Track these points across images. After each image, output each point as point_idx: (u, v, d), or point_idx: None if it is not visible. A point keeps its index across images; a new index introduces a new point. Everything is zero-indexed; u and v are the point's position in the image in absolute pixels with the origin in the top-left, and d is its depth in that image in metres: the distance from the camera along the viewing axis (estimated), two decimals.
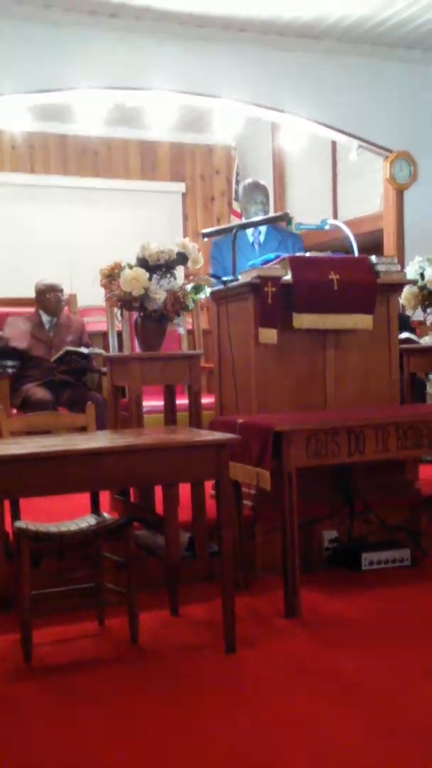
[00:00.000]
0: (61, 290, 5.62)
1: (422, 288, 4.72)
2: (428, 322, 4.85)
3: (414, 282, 4.67)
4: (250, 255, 4.85)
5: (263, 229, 5.05)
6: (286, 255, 4.07)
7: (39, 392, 5.22)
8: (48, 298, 5.55)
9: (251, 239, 5.07)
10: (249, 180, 5.37)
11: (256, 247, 5.05)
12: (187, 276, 4.34)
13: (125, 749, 2.32)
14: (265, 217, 4.92)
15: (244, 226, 4.73)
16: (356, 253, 4.38)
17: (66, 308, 5.84)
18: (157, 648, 3.07)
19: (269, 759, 2.25)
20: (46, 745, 2.37)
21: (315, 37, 6.40)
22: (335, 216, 7.88)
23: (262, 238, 5.07)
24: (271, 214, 5.56)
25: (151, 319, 4.04)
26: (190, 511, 3.77)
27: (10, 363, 5.18)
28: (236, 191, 7.90)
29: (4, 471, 2.77)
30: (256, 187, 5.16)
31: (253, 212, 5.06)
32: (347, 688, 2.68)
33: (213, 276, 4.64)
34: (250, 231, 5.03)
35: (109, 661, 2.99)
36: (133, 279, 3.91)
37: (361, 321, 4.01)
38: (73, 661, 2.99)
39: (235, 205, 8.01)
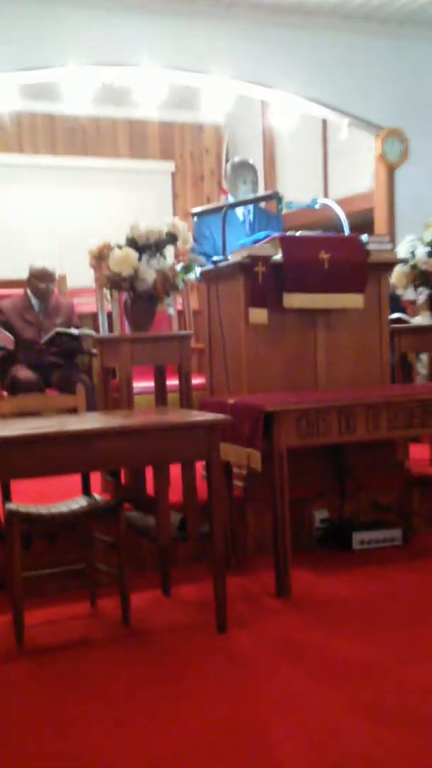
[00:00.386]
0: (51, 278, 5.53)
1: (413, 267, 4.71)
2: (419, 302, 4.83)
3: (405, 261, 4.65)
4: (241, 233, 4.82)
5: (251, 208, 5.02)
6: (276, 234, 4.05)
7: (25, 373, 5.20)
8: (36, 284, 5.50)
9: (242, 218, 5.04)
10: (237, 158, 5.32)
11: (247, 226, 5.02)
12: (176, 256, 4.32)
13: (117, 729, 2.33)
14: (256, 195, 4.89)
15: (234, 205, 4.70)
16: (347, 232, 4.36)
17: (55, 290, 5.80)
18: (149, 628, 3.08)
19: (260, 737, 2.26)
20: (38, 726, 2.38)
21: (305, 13, 6.34)
22: (326, 194, 7.84)
23: (251, 217, 5.05)
24: (261, 192, 5.52)
25: (141, 300, 4.02)
26: (181, 492, 3.77)
27: (0, 345, 5.14)
28: (225, 169, 7.86)
29: None
30: (245, 166, 5.12)
31: (242, 191, 5.02)
32: (338, 667, 2.69)
33: (202, 254, 4.61)
34: (240, 210, 5.00)
35: (101, 642, 3.00)
36: (123, 259, 3.88)
37: (352, 300, 4.00)
38: (64, 642, 2.99)
39: (224, 184, 7.97)
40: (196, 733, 2.30)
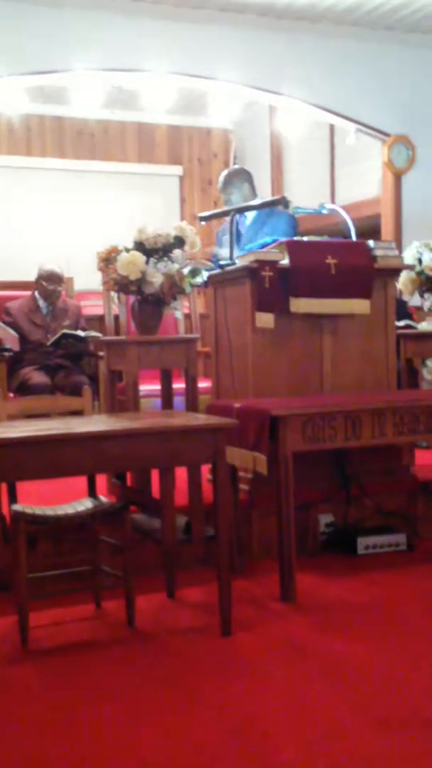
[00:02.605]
0: (60, 280, 5.56)
1: (420, 273, 4.72)
2: (425, 308, 4.84)
3: (411, 267, 4.67)
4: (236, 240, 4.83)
5: (250, 215, 4.99)
6: (283, 239, 4.06)
7: (37, 376, 5.22)
8: (45, 286, 5.53)
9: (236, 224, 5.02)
10: (225, 172, 5.30)
11: (242, 230, 5.00)
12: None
13: (121, 731, 2.34)
14: (264, 200, 4.89)
15: (242, 210, 4.71)
16: (354, 238, 4.37)
17: (63, 292, 5.82)
18: (154, 631, 3.09)
19: (263, 741, 2.27)
20: (43, 728, 2.38)
21: (312, 20, 6.36)
22: (333, 200, 7.86)
23: (248, 222, 5.01)
24: (262, 195, 5.52)
25: (148, 303, 4.03)
26: (187, 495, 3.78)
27: (6, 347, 5.17)
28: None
29: (0, 454, 2.77)
30: (232, 177, 5.09)
31: (234, 200, 5.02)
32: (342, 672, 2.69)
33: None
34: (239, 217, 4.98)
35: (106, 644, 3.00)
36: (130, 263, 3.90)
37: (359, 306, 4.01)
38: (69, 644, 3.00)
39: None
40: (200, 735, 2.31)
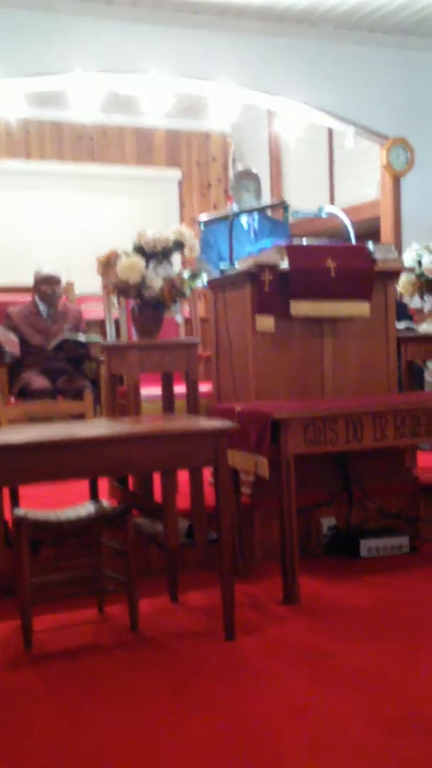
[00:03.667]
0: (58, 282, 5.57)
1: (419, 275, 4.73)
2: (425, 310, 4.85)
3: (411, 269, 4.68)
4: (246, 241, 4.85)
5: (256, 216, 5.04)
6: (282, 242, 4.07)
7: (38, 381, 5.22)
8: (43, 289, 5.53)
9: (246, 226, 5.06)
10: (241, 168, 5.38)
11: (252, 234, 5.04)
12: (183, 263, 4.34)
13: (125, 735, 2.33)
14: (263, 204, 4.92)
15: (241, 213, 4.72)
16: (353, 241, 4.38)
17: (63, 296, 5.82)
18: (157, 635, 3.09)
19: (268, 745, 2.26)
20: (46, 731, 2.38)
21: (311, 23, 6.38)
22: (332, 203, 7.86)
23: (256, 225, 5.07)
24: (266, 201, 5.56)
25: (149, 307, 4.03)
26: (189, 499, 3.78)
27: (8, 351, 5.17)
28: (230, 178, 7.92)
29: (3, 459, 2.78)
30: (248, 175, 5.16)
31: (246, 199, 5.06)
32: (345, 674, 2.69)
33: (209, 263, 4.63)
34: (245, 218, 5.03)
35: (109, 648, 3.00)
36: (130, 267, 3.90)
37: (359, 308, 4.01)
38: (73, 648, 3.00)
39: (230, 192, 8.01)
40: (204, 739, 2.30)
